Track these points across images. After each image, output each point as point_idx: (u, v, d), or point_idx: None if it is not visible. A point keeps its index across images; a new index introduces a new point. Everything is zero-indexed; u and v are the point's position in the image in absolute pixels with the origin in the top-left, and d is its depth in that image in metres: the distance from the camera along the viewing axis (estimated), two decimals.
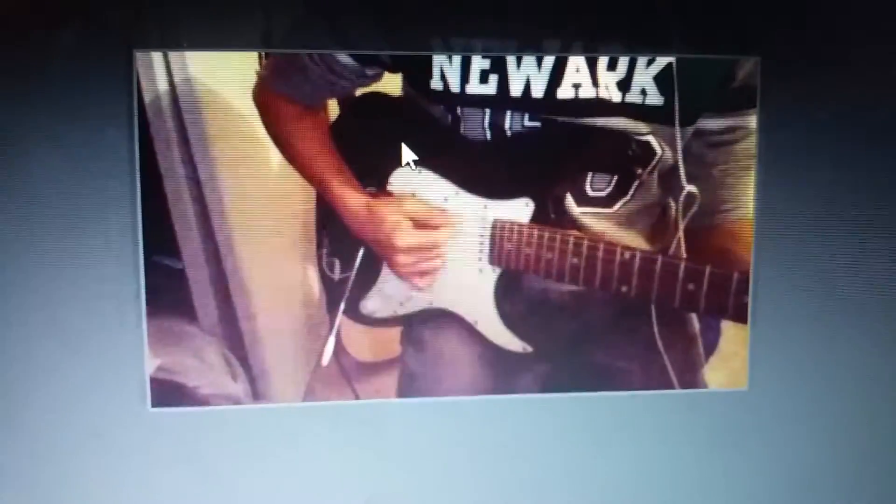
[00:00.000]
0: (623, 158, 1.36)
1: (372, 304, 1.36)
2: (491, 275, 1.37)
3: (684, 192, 1.38)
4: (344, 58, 1.29)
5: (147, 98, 1.26)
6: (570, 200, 1.36)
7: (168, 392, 1.31)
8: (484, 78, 1.32)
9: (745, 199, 1.39)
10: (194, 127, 1.28)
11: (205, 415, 1.32)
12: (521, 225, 1.36)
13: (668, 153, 1.37)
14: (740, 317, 1.41)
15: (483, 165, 1.34)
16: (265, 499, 1.37)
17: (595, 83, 1.34)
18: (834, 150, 1.42)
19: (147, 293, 1.29)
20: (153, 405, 1.31)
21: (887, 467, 1.49)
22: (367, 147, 1.32)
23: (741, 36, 1.37)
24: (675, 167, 1.37)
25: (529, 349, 1.39)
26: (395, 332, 1.37)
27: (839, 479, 1.49)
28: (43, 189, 1.27)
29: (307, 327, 1.34)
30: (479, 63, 1.32)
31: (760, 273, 1.41)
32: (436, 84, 1.31)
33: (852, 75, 1.41)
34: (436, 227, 1.35)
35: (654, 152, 1.36)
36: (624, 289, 1.38)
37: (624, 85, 1.34)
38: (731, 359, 1.42)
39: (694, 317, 1.40)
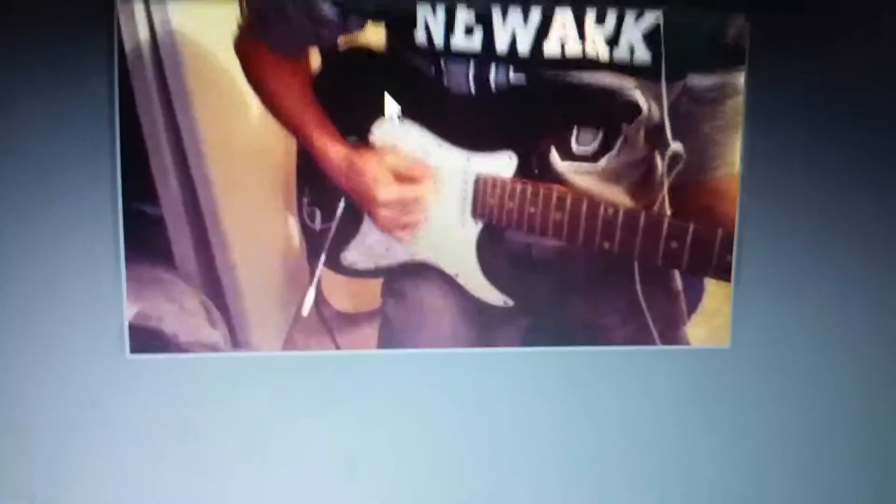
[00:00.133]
0: (609, 114, 1.35)
1: (353, 255, 1.35)
2: (473, 228, 1.36)
3: (670, 150, 1.37)
4: (326, 7, 1.28)
5: (128, 47, 1.25)
6: (554, 155, 1.35)
7: (146, 339, 1.31)
8: (468, 32, 1.31)
9: (733, 156, 1.39)
10: (175, 76, 1.27)
11: (183, 362, 1.32)
12: (504, 179, 1.35)
13: (655, 110, 1.36)
14: (723, 274, 1.40)
15: (467, 119, 1.33)
16: (243, 446, 1.37)
17: (582, 38, 1.33)
18: (821, 108, 1.41)
19: (126, 240, 1.28)
20: (131, 352, 1.31)
21: (867, 423, 1.49)
22: (348, 98, 1.31)
23: None
24: (661, 124, 1.36)
25: (510, 303, 1.38)
26: (376, 284, 1.36)
27: (820, 435, 1.49)
28: (22, 136, 1.26)
29: (287, 277, 1.33)
30: (463, 16, 1.30)
31: (745, 231, 1.41)
32: (420, 37, 1.30)
33: (839, 35, 1.40)
34: (417, 181, 1.34)
35: (639, 108, 1.35)
36: (607, 245, 1.37)
37: (612, 41, 1.33)
38: (713, 316, 1.42)
39: (677, 274, 1.39)
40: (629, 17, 1.33)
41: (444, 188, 1.35)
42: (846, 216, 1.44)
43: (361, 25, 1.29)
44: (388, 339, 1.37)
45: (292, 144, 1.31)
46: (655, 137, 1.37)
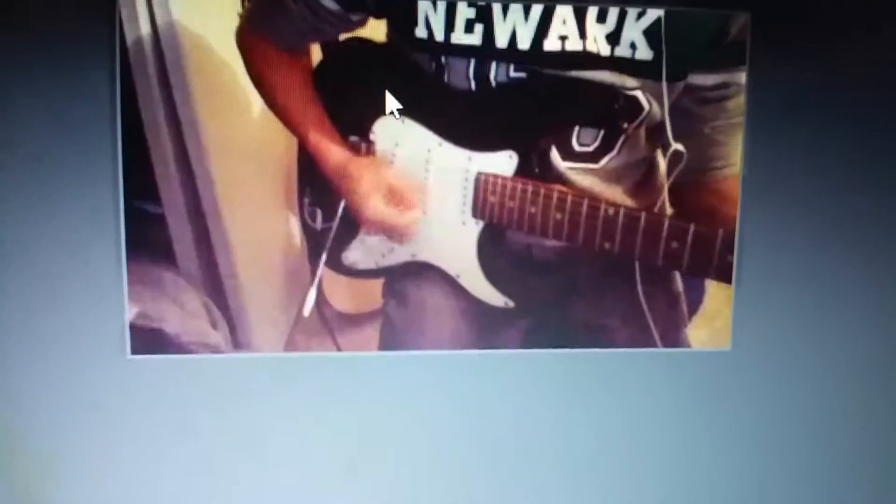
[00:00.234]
0: (610, 113, 1.34)
1: (354, 255, 1.35)
2: (474, 228, 1.36)
3: (671, 150, 1.37)
4: (328, 2, 1.27)
5: (129, 41, 1.24)
6: (555, 154, 1.35)
7: (147, 339, 1.30)
8: (469, 27, 1.30)
9: (735, 156, 1.38)
10: (176, 70, 1.26)
11: (184, 363, 1.32)
12: (504, 178, 1.35)
13: (656, 109, 1.35)
14: (724, 276, 1.40)
15: (467, 116, 1.33)
16: (244, 448, 1.37)
17: (583, 35, 1.32)
18: (823, 109, 1.40)
19: (127, 238, 1.28)
20: (132, 352, 1.31)
21: (867, 425, 1.49)
22: (349, 94, 1.31)
23: None
24: (662, 123, 1.36)
25: (511, 304, 1.38)
26: (377, 284, 1.36)
27: (820, 438, 1.49)
28: (21, 133, 1.26)
29: (288, 277, 1.33)
30: (464, 12, 1.30)
31: (746, 231, 1.40)
32: (420, 32, 1.30)
33: (842, 33, 1.39)
34: (407, 206, 1.33)
35: (641, 107, 1.35)
36: (607, 245, 1.37)
37: (613, 38, 1.32)
38: (714, 318, 1.42)
39: (678, 275, 1.39)
40: (631, 14, 1.32)
41: (444, 187, 1.35)
42: (847, 217, 1.43)
43: (363, 21, 1.28)
44: (389, 341, 1.36)
45: (293, 142, 1.30)
46: (656, 137, 1.36)
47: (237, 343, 1.33)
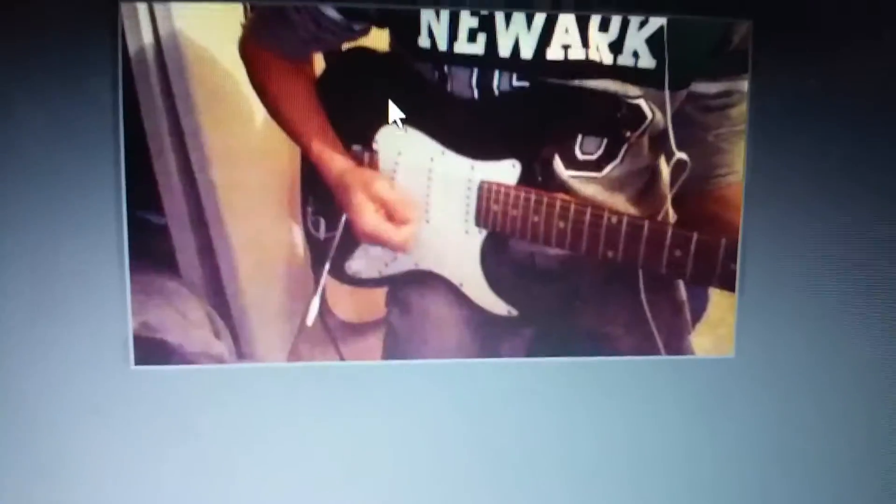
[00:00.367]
0: (612, 121, 1.34)
1: (357, 264, 1.35)
2: (477, 236, 1.36)
3: (675, 159, 1.37)
4: (330, 11, 1.27)
5: (131, 50, 1.24)
6: (558, 163, 1.35)
7: (151, 350, 1.30)
8: (472, 37, 1.30)
9: (739, 164, 1.38)
10: (179, 81, 1.26)
11: (188, 373, 1.32)
12: (507, 187, 1.35)
13: (659, 117, 1.35)
14: (728, 284, 1.40)
15: (470, 125, 1.33)
16: (249, 457, 1.37)
17: (586, 44, 1.32)
18: (825, 115, 1.40)
19: (130, 249, 1.28)
20: (136, 363, 1.30)
21: (871, 432, 1.49)
22: (352, 104, 1.31)
23: None
24: (665, 132, 1.36)
25: (515, 313, 1.38)
26: (381, 293, 1.36)
27: (824, 445, 1.49)
28: (24, 142, 1.26)
29: (292, 286, 1.33)
30: (467, 21, 1.30)
31: (749, 239, 1.40)
32: (423, 42, 1.30)
33: (843, 41, 1.39)
34: (404, 222, 1.33)
35: (644, 116, 1.35)
36: (610, 254, 1.37)
37: (615, 47, 1.33)
38: (718, 326, 1.42)
39: (681, 283, 1.39)
40: (633, 23, 1.32)
41: (447, 196, 1.35)
42: (850, 224, 1.44)
43: (365, 30, 1.28)
44: (392, 350, 1.36)
45: (296, 151, 1.30)
46: (660, 145, 1.36)
47: (240, 353, 1.33)
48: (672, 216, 1.37)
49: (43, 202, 1.27)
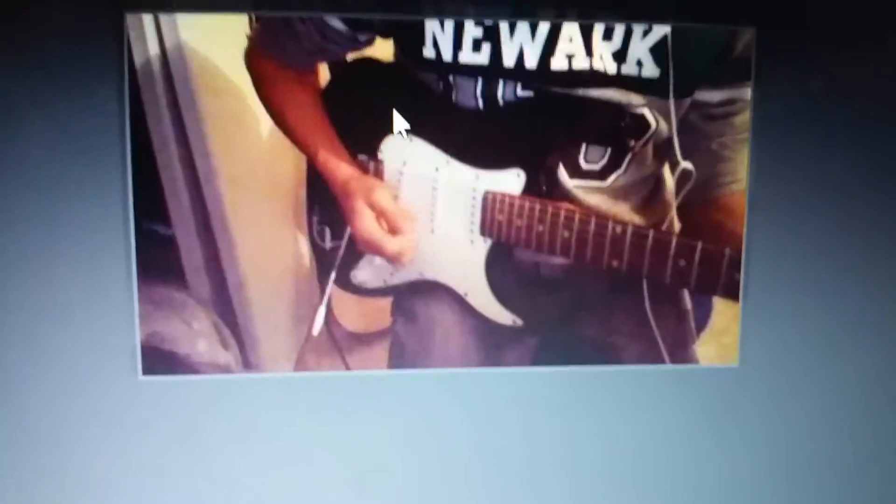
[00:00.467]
0: (617, 131, 1.35)
1: (362, 273, 1.35)
2: (482, 246, 1.36)
3: (679, 168, 1.37)
4: (336, 22, 1.27)
5: (137, 62, 1.25)
6: (562, 172, 1.35)
7: (159, 360, 1.31)
8: (477, 46, 1.31)
9: (742, 172, 1.38)
10: (185, 91, 1.26)
11: (195, 383, 1.33)
12: (512, 196, 1.35)
13: (663, 125, 1.35)
14: (732, 294, 1.40)
15: (475, 135, 1.33)
16: (255, 467, 1.37)
17: (589, 53, 1.32)
18: (829, 122, 1.40)
19: (137, 260, 1.29)
20: (144, 373, 1.31)
21: (876, 440, 1.49)
22: (357, 114, 1.31)
23: (738, 6, 1.35)
24: (669, 140, 1.36)
25: (519, 322, 1.38)
26: (386, 303, 1.36)
27: (829, 453, 1.49)
28: (33, 154, 1.26)
29: (298, 296, 1.34)
30: (471, 31, 1.30)
31: (753, 247, 1.40)
32: (428, 52, 1.30)
33: (848, 47, 1.39)
34: (397, 232, 1.33)
35: (648, 125, 1.35)
36: (615, 263, 1.37)
37: (619, 56, 1.33)
38: (722, 335, 1.42)
39: (686, 292, 1.39)
40: (637, 32, 1.32)
41: (452, 205, 1.35)
42: (855, 232, 1.44)
43: (370, 41, 1.29)
44: (398, 359, 1.37)
45: (302, 161, 1.31)
46: (664, 153, 1.36)
47: (247, 363, 1.34)
48: (677, 224, 1.37)
49: (51, 213, 1.28)
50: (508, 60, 1.31)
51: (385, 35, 1.28)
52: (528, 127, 1.33)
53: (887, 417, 1.49)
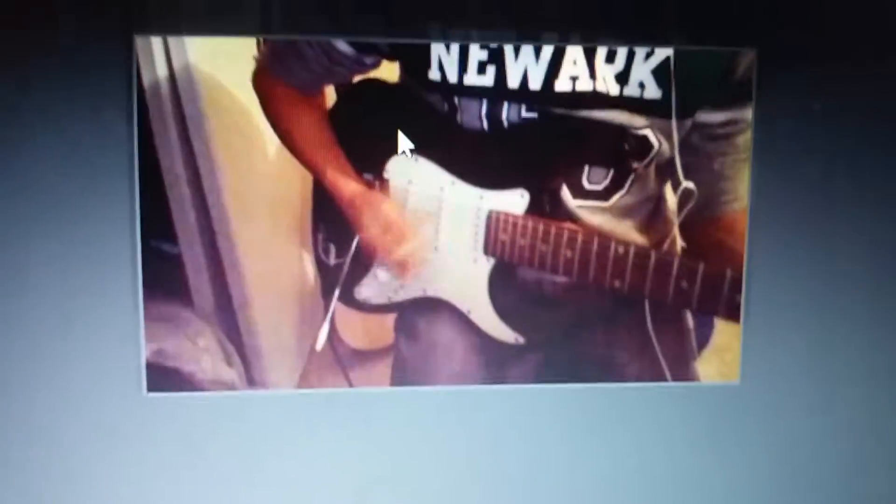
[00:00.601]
0: (620, 152, 1.36)
1: (366, 290, 1.37)
2: (485, 265, 1.38)
3: (681, 188, 1.38)
4: (342, 45, 1.29)
5: (146, 83, 1.27)
6: (565, 193, 1.36)
7: (164, 377, 1.32)
8: (482, 69, 1.32)
9: (744, 190, 1.40)
10: (193, 112, 1.28)
11: (200, 400, 1.33)
12: (515, 216, 1.36)
13: (666, 146, 1.37)
14: (733, 315, 1.41)
15: (479, 156, 1.35)
16: (259, 484, 1.38)
17: (593, 76, 1.34)
18: (830, 143, 1.42)
19: (143, 277, 1.30)
20: (149, 390, 1.32)
21: (877, 457, 1.50)
22: (363, 134, 1.33)
23: (738, 29, 1.37)
24: (671, 161, 1.37)
25: (522, 340, 1.39)
26: (389, 320, 1.37)
27: (830, 471, 1.49)
28: (42, 172, 1.28)
29: (302, 312, 1.35)
30: (476, 54, 1.32)
31: (753, 266, 1.42)
32: (434, 74, 1.32)
33: (848, 68, 1.41)
34: (400, 239, 1.34)
35: (650, 146, 1.36)
36: (617, 284, 1.38)
37: (622, 78, 1.34)
38: (724, 351, 1.43)
39: (687, 312, 1.41)
40: (639, 54, 1.34)
41: (456, 225, 1.36)
42: (855, 251, 1.45)
43: (376, 63, 1.30)
44: (401, 377, 1.38)
45: (308, 180, 1.32)
46: (666, 173, 1.38)
47: (251, 380, 1.35)
48: (678, 243, 1.39)
49: (58, 230, 1.29)
50: (513, 82, 1.33)
51: (391, 58, 1.30)
52: (532, 148, 1.35)
53: (888, 434, 1.50)
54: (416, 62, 1.31)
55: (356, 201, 1.34)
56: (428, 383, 1.39)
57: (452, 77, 1.32)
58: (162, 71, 1.27)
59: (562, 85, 1.33)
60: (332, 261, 1.35)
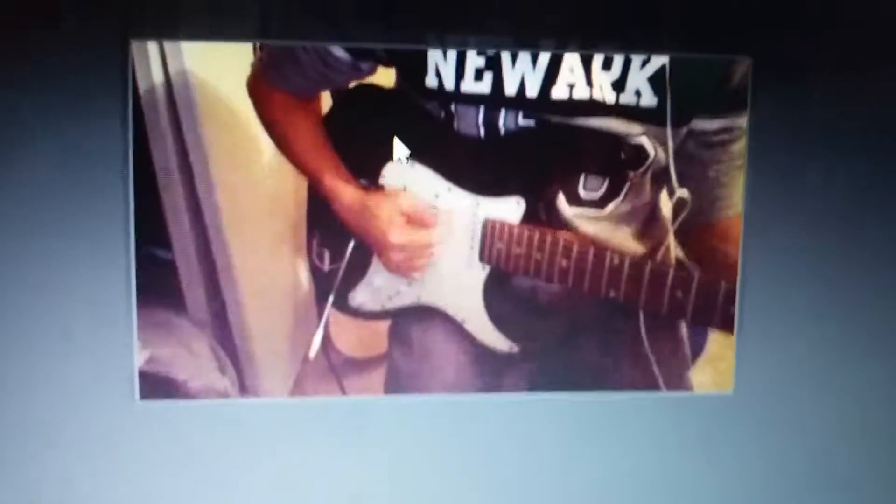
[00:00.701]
0: (616, 161, 1.36)
1: (360, 296, 1.36)
2: (480, 272, 1.37)
3: (676, 196, 1.38)
4: (338, 51, 1.29)
5: (142, 88, 1.26)
6: (562, 201, 1.36)
7: (156, 384, 1.31)
8: (479, 76, 1.32)
9: (739, 197, 1.40)
10: (188, 118, 1.27)
11: (193, 408, 1.33)
12: (511, 224, 1.36)
13: (661, 154, 1.37)
14: (727, 325, 1.41)
15: (476, 163, 1.34)
16: (252, 492, 1.37)
17: (589, 83, 1.34)
18: (825, 150, 1.42)
19: (137, 283, 1.29)
20: (141, 397, 1.31)
21: (871, 467, 1.51)
22: (360, 141, 1.32)
23: (734, 37, 1.37)
24: (666, 168, 1.38)
25: (516, 349, 1.39)
26: (383, 327, 1.37)
27: (823, 480, 1.50)
28: (36, 177, 1.27)
29: (296, 319, 1.34)
30: (474, 61, 1.31)
31: (748, 275, 1.42)
32: (430, 81, 1.31)
33: (843, 76, 1.41)
34: (427, 225, 1.35)
35: (647, 154, 1.37)
36: (612, 293, 1.38)
37: (618, 85, 1.34)
38: (717, 361, 1.43)
39: (682, 322, 1.41)
40: (635, 62, 1.34)
41: (452, 232, 1.36)
42: (850, 259, 1.45)
43: (372, 69, 1.30)
44: (394, 385, 1.37)
45: (303, 185, 1.32)
46: (661, 181, 1.38)
47: (244, 388, 1.34)
48: (673, 250, 1.39)
49: (52, 235, 1.28)
50: (510, 89, 1.32)
51: (387, 64, 1.30)
52: (528, 155, 1.35)
53: (882, 444, 1.50)
54: (412, 68, 1.30)
55: (351, 207, 1.33)
56: (422, 391, 1.38)
57: (449, 84, 1.31)
58: (158, 76, 1.26)
59: (559, 92, 1.33)
60: (327, 267, 1.35)
